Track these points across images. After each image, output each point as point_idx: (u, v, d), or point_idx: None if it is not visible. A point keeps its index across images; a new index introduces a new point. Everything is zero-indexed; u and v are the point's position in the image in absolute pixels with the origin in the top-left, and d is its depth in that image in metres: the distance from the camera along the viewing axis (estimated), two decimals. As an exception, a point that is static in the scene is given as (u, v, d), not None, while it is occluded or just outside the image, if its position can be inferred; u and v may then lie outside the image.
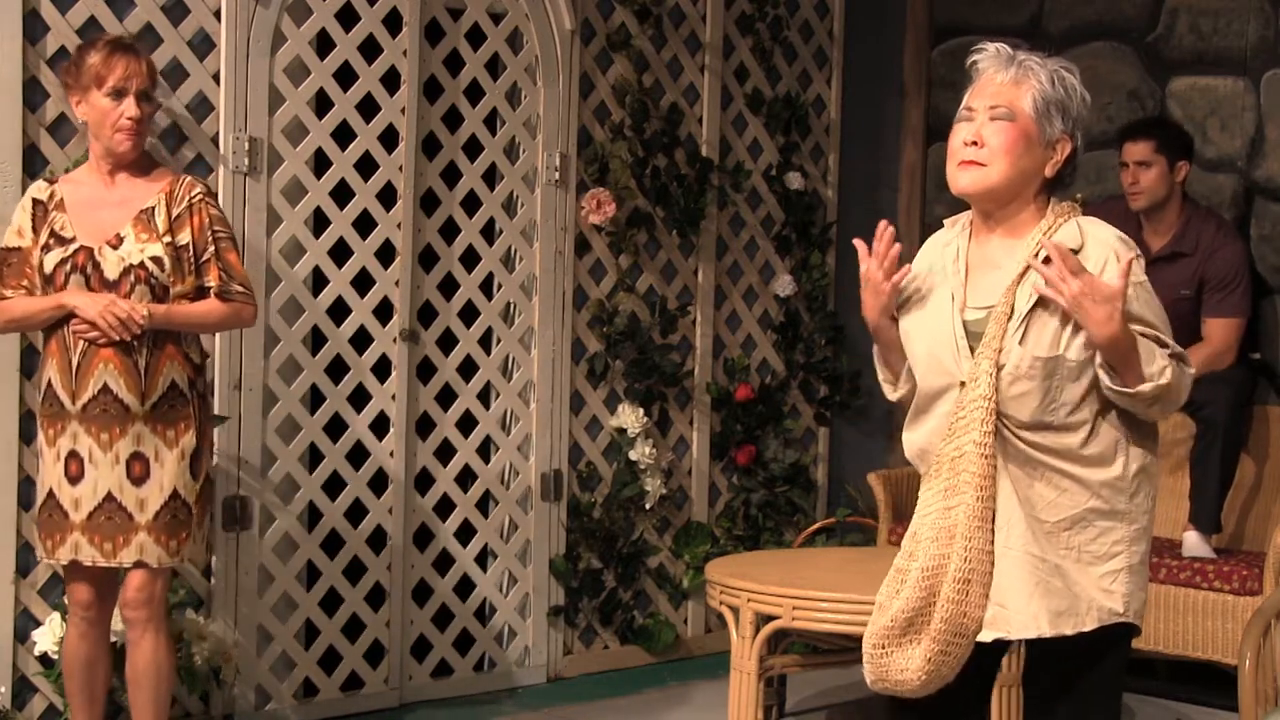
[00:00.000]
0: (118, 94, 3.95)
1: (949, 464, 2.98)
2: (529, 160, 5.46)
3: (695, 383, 5.93)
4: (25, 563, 4.42)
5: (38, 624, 4.42)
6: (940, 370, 3.02)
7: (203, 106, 4.70)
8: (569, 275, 5.54)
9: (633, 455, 5.68)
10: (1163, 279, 5.41)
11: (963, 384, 2.97)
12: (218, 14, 4.71)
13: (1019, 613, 2.96)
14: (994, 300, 2.98)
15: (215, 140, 4.72)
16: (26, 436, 4.42)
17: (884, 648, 3.01)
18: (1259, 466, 5.49)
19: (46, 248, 3.96)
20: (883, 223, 3.13)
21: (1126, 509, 2.99)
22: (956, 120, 3.02)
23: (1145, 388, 2.89)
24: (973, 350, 2.98)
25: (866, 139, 6.44)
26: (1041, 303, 2.93)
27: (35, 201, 4.01)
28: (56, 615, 4.39)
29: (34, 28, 4.40)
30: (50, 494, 3.97)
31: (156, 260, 3.95)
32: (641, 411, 5.70)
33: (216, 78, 4.71)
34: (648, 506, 5.76)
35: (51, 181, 4.08)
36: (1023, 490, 2.97)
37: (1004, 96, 2.96)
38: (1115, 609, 2.98)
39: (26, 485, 4.42)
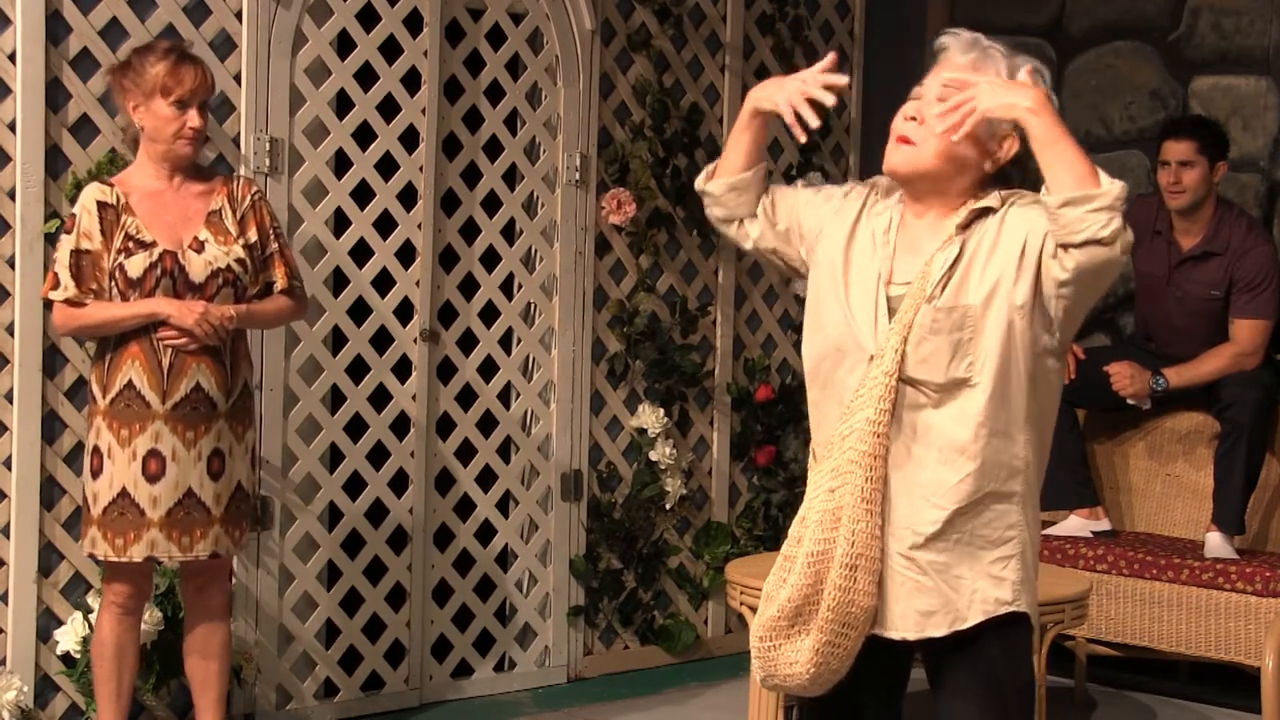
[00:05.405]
0: (182, 104, 3.98)
1: (839, 442, 2.78)
2: (549, 160, 5.45)
3: (715, 383, 5.92)
4: (47, 562, 4.43)
5: (60, 623, 4.44)
6: (851, 335, 2.83)
7: (224, 107, 4.70)
8: (589, 275, 5.54)
9: (653, 455, 5.68)
10: (1193, 278, 5.43)
11: (872, 357, 2.79)
12: (239, 15, 4.72)
13: (889, 611, 2.82)
14: (914, 276, 2.81)
15: (236, 141, 4.73)
16: (49, 437, 4.43)
17: (771, 639, 2.83)
18: (1283, 467, 5.48)
19: (126, 251, 3.95)
20: (833, 55, 2.97)
21: (1022, 490, 2.82)
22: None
23: (1098, 188, 2.60)
24: None
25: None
26: (955, 263, 2.77)
27: (101, 204, 3.96)
28: (78, 615, 4.41)
29: (56, 29, 4.40)
30: (123, 493, 3.96)
31: (241, 263, 4.05)
32: (662, 412, 5.70)
33: (238, 78, 4.72)
34: (668, 507, 5.75)
35: (108, 184, 4.04)
36: (911, 476, 2.78)
37: (957, 78, 2.78)
38: (1004, 598, 2.81)
39: (49, 486, 4.43)
